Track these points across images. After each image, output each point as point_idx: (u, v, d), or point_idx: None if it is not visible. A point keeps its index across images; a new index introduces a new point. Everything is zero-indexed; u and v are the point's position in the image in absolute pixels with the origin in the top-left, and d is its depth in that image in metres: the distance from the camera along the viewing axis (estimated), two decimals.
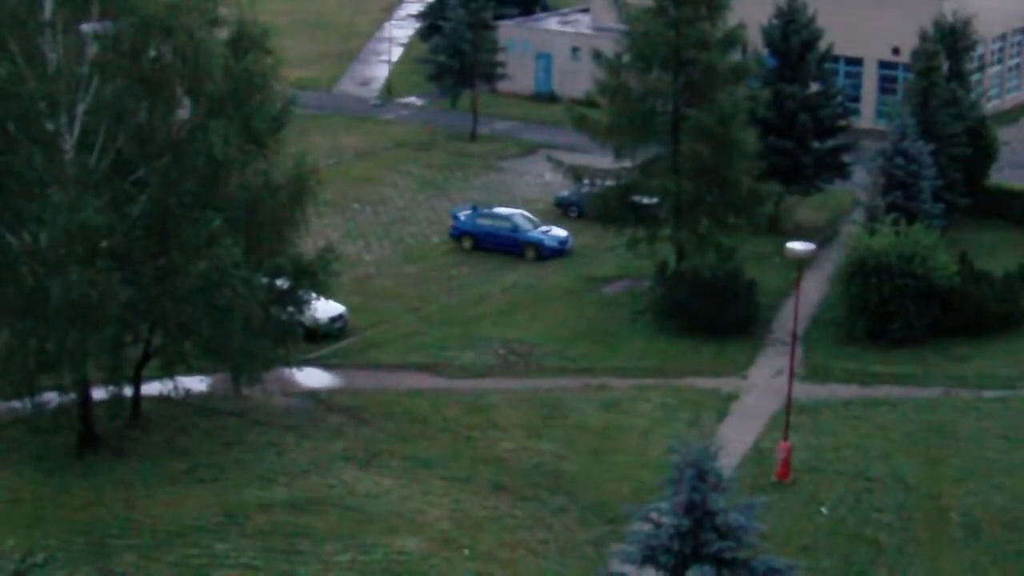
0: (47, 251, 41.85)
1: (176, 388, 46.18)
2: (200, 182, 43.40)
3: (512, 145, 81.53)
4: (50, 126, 42.33)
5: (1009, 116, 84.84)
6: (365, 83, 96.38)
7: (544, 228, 65.50)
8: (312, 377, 51.59)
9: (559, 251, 64.53)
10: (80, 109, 42.41)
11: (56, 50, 42.20)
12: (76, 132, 42.51)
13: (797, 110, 65.42)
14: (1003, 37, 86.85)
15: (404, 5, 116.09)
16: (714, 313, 55.20)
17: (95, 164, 42.81)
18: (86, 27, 42.88)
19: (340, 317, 55.53)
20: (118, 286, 41.44)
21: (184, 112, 43.80)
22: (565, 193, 69.22)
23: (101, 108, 42.50)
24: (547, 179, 72.51)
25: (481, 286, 61.01)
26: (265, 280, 45.76)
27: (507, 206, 67.94)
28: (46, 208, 41.40)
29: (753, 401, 50.09)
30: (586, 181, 60.05)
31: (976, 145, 65.63)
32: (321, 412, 48.96)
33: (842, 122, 68.28)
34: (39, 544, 39.46)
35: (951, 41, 66.48)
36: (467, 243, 65.05)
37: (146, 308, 43.37)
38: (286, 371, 49.44)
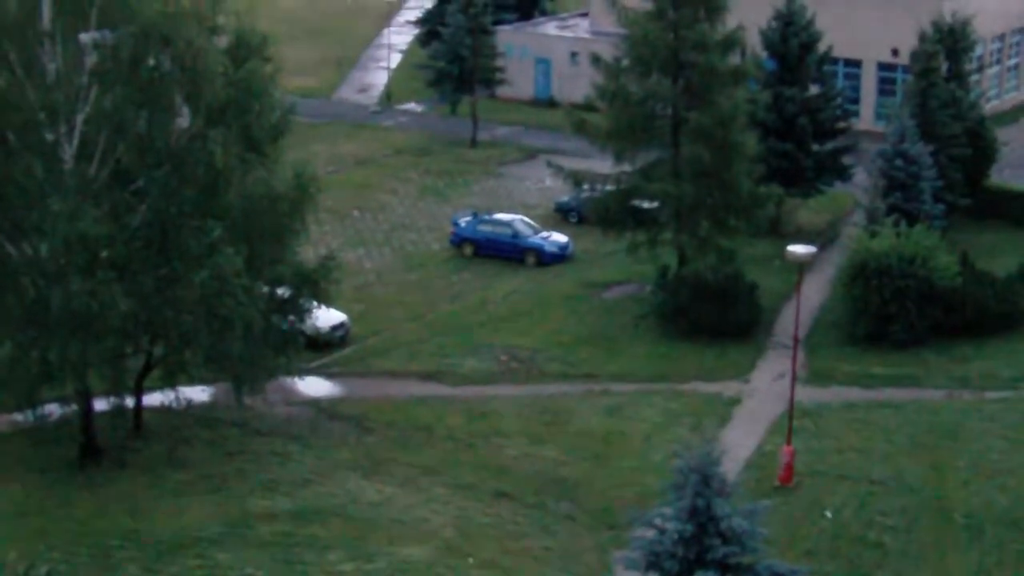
0: (47, 261, 41.81)
1: (178, 398, 46.11)
2: (200, 191, 43.35)
3: (512, 151, 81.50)
4: (49, 136, 42.31)
5: (1008, 116, 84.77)
6: (364, 90, 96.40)
7: (544, 234, 65.44)
8: (314, 386, 51.56)
9: (560, 257, 64.47)
10: (79, 119, 42.37)
11: (55, 60, 42.18)
12: (75, 142, 42.48)
13: (797, 112, 65.37)
14: (1002, 37, 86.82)
15: (403, 11, 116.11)
16: (716, 317, 55.14)
17: (95, 174, 42.78)
18: (85, 36, 42.82)
19: (341, 325, 55.47)
20: (119, 296, 41.35)
21: (183, 121, 43.76)
22: (565, 198, 69.15)
23: (100, 117, 42.45)
24: (547, 184, 72.43)
25: (482, 293, 60.96)
26: (266, 289, 45.74)
27: (507, 212, 67.91)
28: (46, 218, 41.37)
29: (755, 405, 50.02)
30: (586, 186, 59.94)
31: (976, 146, 65.56)
32: (323, 421, 48.94)
33: (841, 124, 68.25)
34: (42, 556, 39.44)
35: (950, 42, 66.39)
36: (468, 250, 64.99)
37: (147, 318, 43.29)
38: (288, 380, 49.42)
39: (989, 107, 79.55)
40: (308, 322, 48.93)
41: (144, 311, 42.75)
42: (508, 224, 65.12)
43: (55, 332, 41.42)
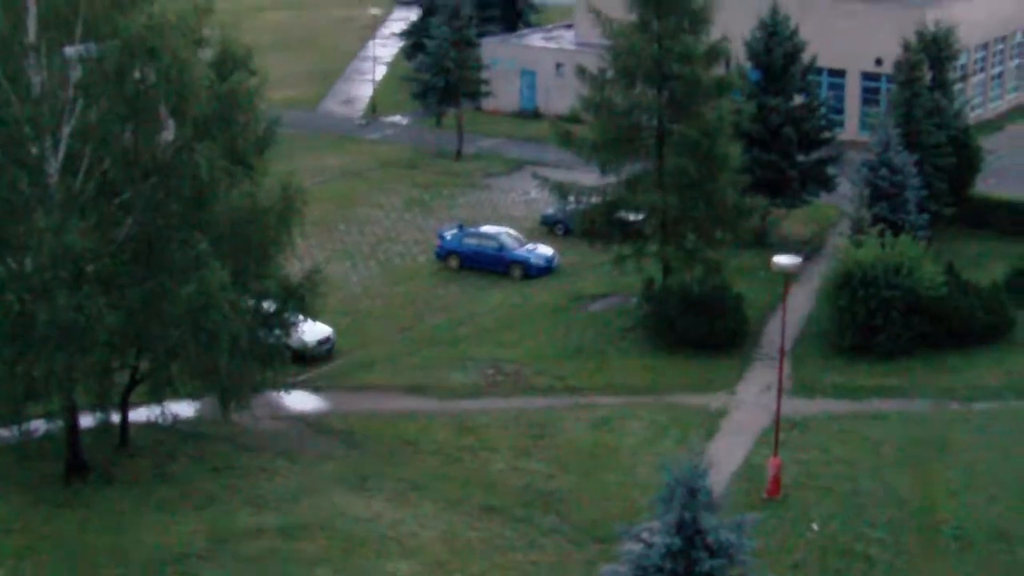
0: (33, 276, 41.68)
1: (164, 414, 46.01)
2: (186, 204, 43.28)
3: (497, 163, 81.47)
4: (35, 150, 42.22)
5: (993, 125, 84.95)
6: (349, 102, 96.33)
7: (530, 246, 65.39)
8: (300, 400, 51.42)
9: (545, 269, 64.41)
10: (65, 132, 42.31)
11: (40, 73, 42.13)
12: (61, 155, 42.41)
13: (781, 123, 65.43)
14: (985, 46, 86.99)
15: (388, 23, 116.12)
16: (702, 329, 55.09)
17: (80, 187, 42.70)
18: (70, 50, 42.76)
19: (327, 339, 55.36)
20: (105, 311, 41.28)
21: (169, 134, 43.67)
22: (551, 211, 69.09)
23: (86, 131, 42.43)
24: (533, 197, 72.47)
25: (468, 306, 60.88)
26: (252, 303, 45.63)
27: (493, 224, 67.86)
28: (31, 232, 41.28)
29: (742, 417, 49.99)
30: (572, 198, 59.83)
31: (960, 155, 65.65)
32: (310, 436, 48.82)
33: (826, 134, 68.32)
34: (28, 573, 39.29)
35: (934, 51, 66.48)
36: (453, 262, 64.92)
37: (133, 332, 43.20)
38: (274, 395, 49.29)
39: (973, 116, 79.71)
40: (294, 336, 48.83)
41: (130, 325, 42.66)
42: (494, 237, 65.06)
43: (41, 347, 41.32)
